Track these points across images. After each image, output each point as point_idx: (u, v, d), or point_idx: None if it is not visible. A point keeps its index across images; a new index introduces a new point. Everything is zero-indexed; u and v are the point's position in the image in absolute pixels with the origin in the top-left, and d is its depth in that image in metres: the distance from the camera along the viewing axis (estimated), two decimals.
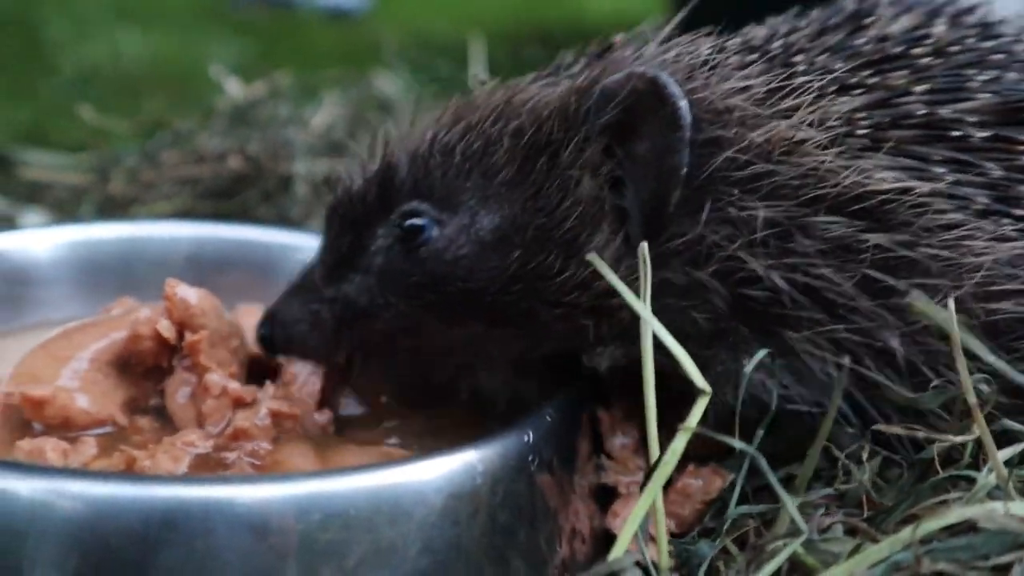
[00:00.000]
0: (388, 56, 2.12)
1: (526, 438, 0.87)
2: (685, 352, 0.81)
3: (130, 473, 0.85)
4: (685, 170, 0.88)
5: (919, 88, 0.91)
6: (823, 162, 0.86)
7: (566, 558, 0.91)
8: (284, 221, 1.49)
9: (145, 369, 0.99)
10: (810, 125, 0.87)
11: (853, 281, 0.86)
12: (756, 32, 1.01)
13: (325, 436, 1.03)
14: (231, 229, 1.30)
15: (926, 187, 0.85)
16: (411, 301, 0.95)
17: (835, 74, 0.91)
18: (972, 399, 0.74)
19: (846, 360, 0.83)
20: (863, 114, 0.89)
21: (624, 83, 0.88)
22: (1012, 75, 0.92)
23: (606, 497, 0.98)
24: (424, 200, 0.94)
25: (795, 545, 0.74)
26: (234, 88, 1.76)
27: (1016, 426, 0.81)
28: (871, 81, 0.91)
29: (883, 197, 0.85)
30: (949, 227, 0.86)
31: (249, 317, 1.20)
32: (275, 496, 0.76)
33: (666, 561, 0.81)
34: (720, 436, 0.81)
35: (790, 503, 0.77)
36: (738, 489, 0.88)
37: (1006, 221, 0.87)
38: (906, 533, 0.70)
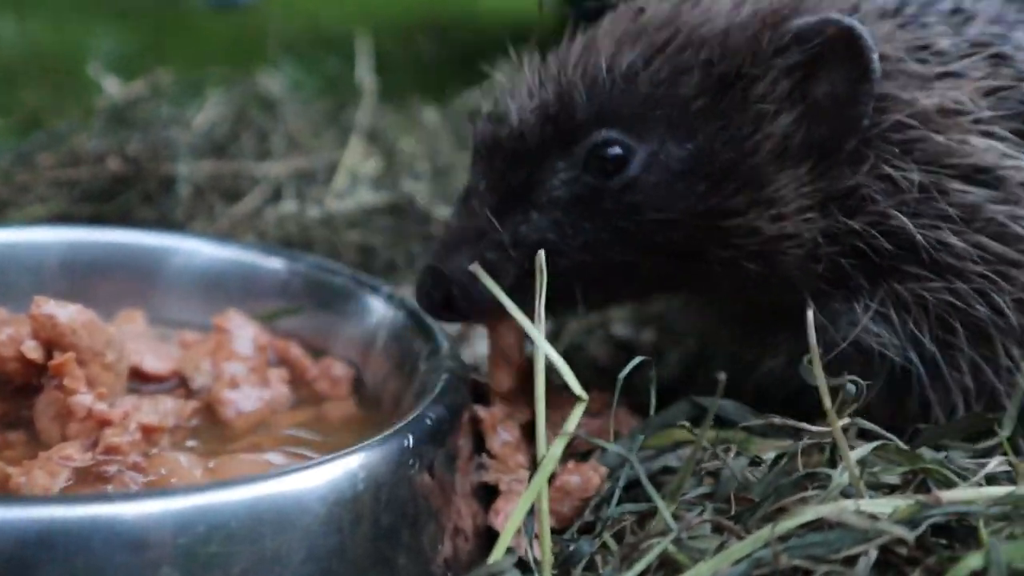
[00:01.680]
0: (273, 53, 2.10)
1: (406, 442, 0.89)
2: (562, 359, 0.84)
3: (3, 494, 0.84)
4: (867, 121, 0.91)
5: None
6: (969, 133, 0.92)
7: (449, 556, 0.93)
8: (166, 223, 1.47)
9: (14, 387, 0.97)
10: (965, 96, 0.93)
11: (970, 244, 0.92)
12: None
13: (214, 444, 1.05)
14: (109, 233, 1.27)
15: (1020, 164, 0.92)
16: (600, 232, 0.95)
17: (986, 46, 0.96)
18: (826, 403, 0.78)
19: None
20: (1000, 87, 0.94)
21: (819, 28, 0.91)
22: None
23: (488, 495, 1.01)
24: (612, 128, 0.94)
25: (665, 543, 0.78)
26: (113, 87, 1.72)
27: (869, 426, 0.86)
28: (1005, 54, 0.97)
29: (1002, 171, 0.92)
30: None
31: (129, 323, 1.19)
32: (154, 512, 0.76)
33: (549, 559, 0.84)
34: (594, 440, 0.84)
35: (661, 503, 0.81)
36: (618, 491, 0.91)
37: None
38: (766, 531, 0.74)
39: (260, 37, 3.06)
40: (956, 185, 0.92)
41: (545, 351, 0.84)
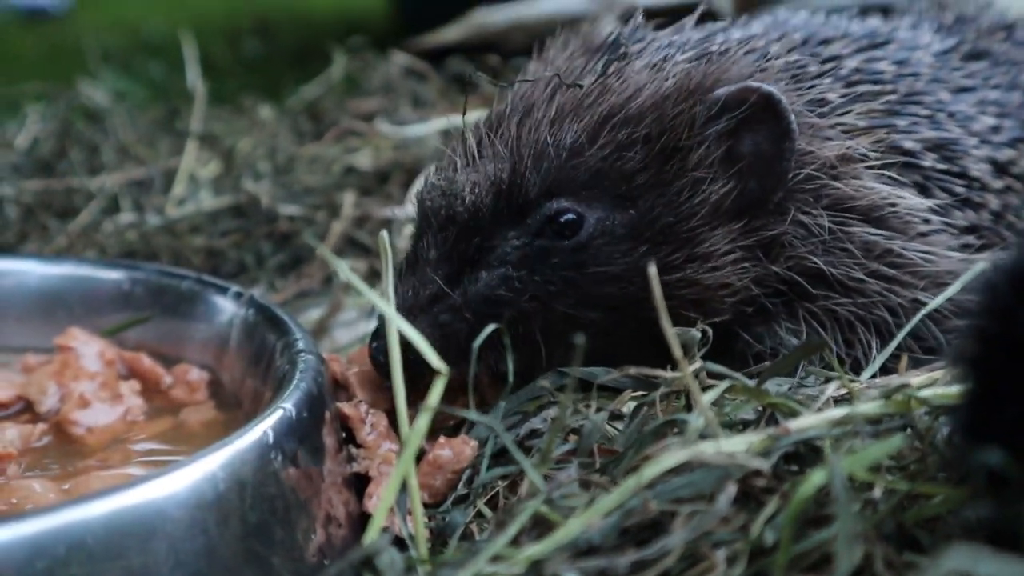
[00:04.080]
0: (93, 61, 2.02)
1: (267, 437, 0.88)
2: (424, 339, 0.84)
3: None
4: (790, 175, 1.02)
5: (902, 122, 1.10)
6: (863, 178, 1.05)
7: (323, 544, 0.92)
8: None
9: None
10: (860, 145, 1.05)
11: (870, 271, 1.05)
12: (792, 29, 1.16)
13: (68, 465, 1.01)
14: None
15: (914, 203, 1.07)
16: (548, 284, 1.03)
17: (875, 96, 1.10)
18: (676, 351, 0.81)
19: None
20: (876, 138, 1.07)
21: (741, 96, 1.01)
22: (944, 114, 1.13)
23: (363, 485, 1.00)
24: (562, 198, 1.02)
25: (536, 504, 0.79)
26: None
27: (717, 367, 0.89)
28: (889, 106, 1.10)
29: (892, 209, 1.05)
30: (923, 234, 1.07)
31: None
32: (6, 539, 0.73)
33: (423, 533, 0.84)
34: (456, 410, 0.85)
35: (527, 465, 0.82)
36: (486, 460, 0.92)
37: (947, 236, 1.08)
38: (632, 481, 0.76)
39: (76, 48, 2.95)
40: (856, 226, 1.05)
41: (400, 328, 0.84)
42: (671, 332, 0.82)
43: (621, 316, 1.04)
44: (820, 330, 1.06)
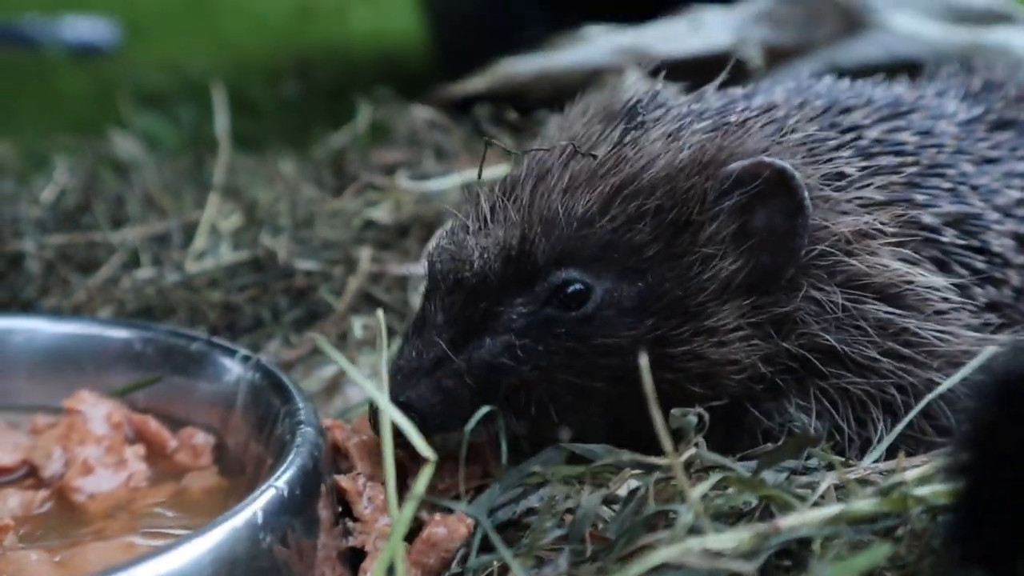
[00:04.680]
0: (127, 106, 2.05)
1: (256, 518, 0.87)
2: (417, 431, 0.84)
3: None
4: (803, 251, 1.01)
5: (922, 196, 1.08)
6: (879, 254, 1.03)
7: None
8: (17, 302, 1.42)
9: None
10: (877, 220, 1.04)
11: (884, 350, 1.03)
12: (814, 96, 1.16)
13: (66, 534, 1.02)
14: None
15: (931, 280, 1.04)
16: (552, 355, 1.02)
17: (896, 168, 1.08)
18: (666, 444, 0.80)
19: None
20: (895, 213, 1.05)
21: (754, 171, 1.00)
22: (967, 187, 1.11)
23: (359, 560, 1.00)
24: (571, 268, 1.01)
25: None
26: None
27: (712, 456, 0.87)
28: (910, 178, 1.08)
29: (908, 287, 1.03)
30: (940, 312, 1.04)
31: None
32: None
33: None
34: (443, 502, 0.84)
35: (510, 559, 0.81)
36: (475, 547, 0.91)
37: (966, 313, 1.06)
38: None
39: (118, 86, 3.01)
40: (871, 304, 1.03)
41: (391, 416, 0.83)
42: (660, 422, 0.80)
43: (627, 387, 1.01)
44: (832, 409, 1.04)
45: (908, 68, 1.70)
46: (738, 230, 1.02)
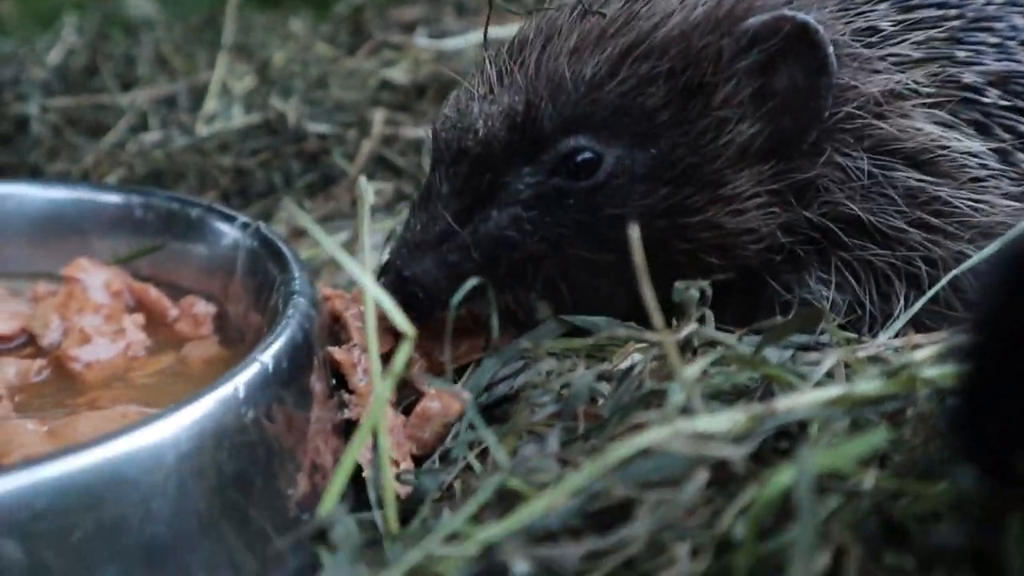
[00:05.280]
0: None
1: (237, 392, 0.85)
2: (389, 300, 0.80)
3: None
4: (827, 113, 0.94)
5: (964, 52, 0.99)
6: (911, 116, 0.96)
7: (307, 494, 0.91)
8: (25, 166, 1.40)
9: None
10: (912, 79, 0.96)
11: (913, 220, 0.96)
12: None
13: (62, 401, 1.01)
14: None
15: (965, 145, 0.97)
16: (560, 227, 0.98)
17: (936, 22, 1.00)
18: (656, 319, 0.75)
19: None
20: (932, 71, 0.97)
21: (774, 26, 0.93)
22: (1016, 42, 1.01)
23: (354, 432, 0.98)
24: (580, 135, 0.96)
25: (499, 480, 0.75)
26: None
27: (711, 332, 0.83)
28: (951, 33, 1.00)
29: (942, 152, 0.96)
30: (976, 180, 0.97)
31: None
32: None
33: (392, 502, 0.81)
34: (442, 386, 0.81)
35: (492, 441, 0.78)
36: (464, 429, 0.89)
37: (1006, 181, 0.98)
38: (600, 462, 0.71)
39: None
40: (900, 170, 0.96)
41: (372, 293, 0.80)
42: (650, 297, 0.76)
43: (646, 256, 0.97)
44: (854, 281, 0.99)
45: None
46: (757, 91, 0.95)
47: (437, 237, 1.00)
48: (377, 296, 0.79)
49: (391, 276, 1.01)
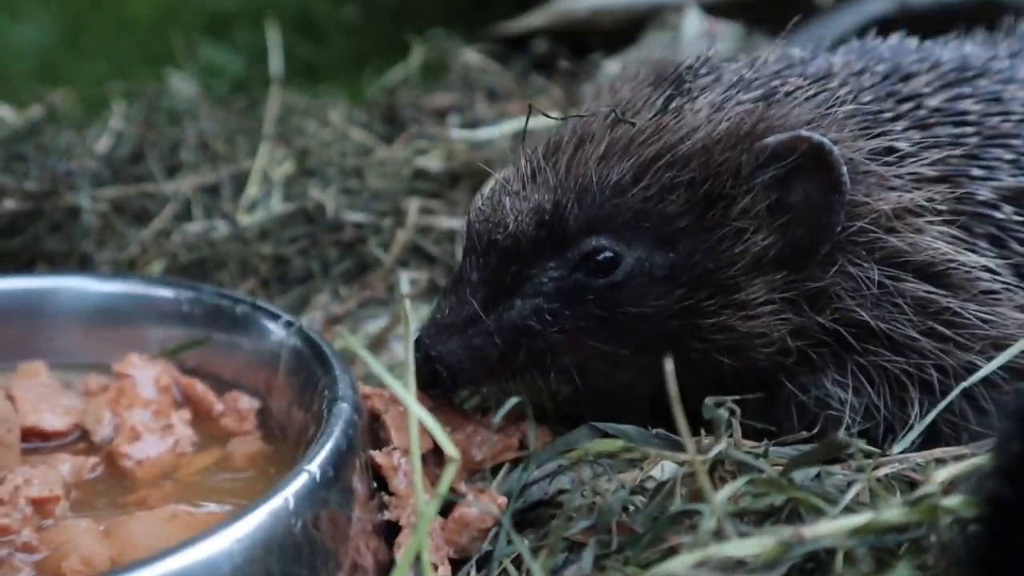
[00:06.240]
0: (188, 44, 2.05)
1: (287, 503, 0.89)
2: (440, 428, 0.84)
3: None
4: (840, 228, 0.98)
5: (979, 170, 1.04)
6: (923, 232, 1.00)
7: None
8: (76, 255, 1.46)
9: None
10: (922, 196, 1.00)
11: (923, 330, 1.00)
12: (876, 60, 1.12)
13: (116, 499, 1.05)
14: None
15: (976, 260, 1.01)
16: (580, 320, 1.03)
17: (954, 140, 1.05)
18: (689, 448, 0.79)
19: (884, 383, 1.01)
20: (947, 188, 1.02)
21: (791, 145, 0.98)
22: None
23: (394, 534, 1.02)
24: (602, 235, 1.01)
25: None
26: (6, 113, 1.68)
27: (739, 455, 0.86)
28: (968, 150, 1.04)
29: (950, 265, 1.00)
30: (988, 293, 1.01)
31: (31, 377, 1.19)
32: None
33: None
34: (461, 500, 0.84)
35: (528, 556, 0.81)
36: (504, 533, 0.92)
37: (1021, 293, 1.02)
38: None
39: (186, 13, 2.98)
40: (910, 281, 1.00)
41: (418, 415, 0.84)
42: (683, 424, 0.80)
43: (654, 356, 0.99)
44: (868, 386, 1.02)
45: (988, 8, 1.61)
46: (773, 204, 1.00)
47: (464, 321, 1.05)
48: (423, 418, 0.83)
49: (418, 355, 1.06)
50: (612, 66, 1.69)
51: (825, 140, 0.98)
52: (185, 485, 1.07)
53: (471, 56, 1.85)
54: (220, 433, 1.15)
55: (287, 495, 0.90)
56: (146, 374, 1.17)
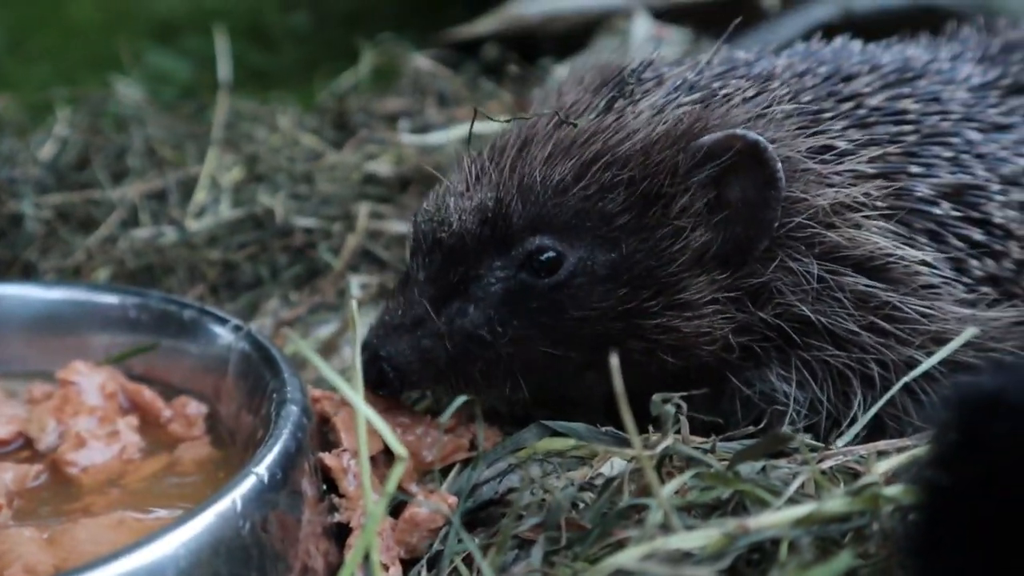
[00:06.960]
0: (134, 50, 2.03)
1: (235, 505, 0.89)
2: (389, 429, 0.84)
3: None
4: (777, 223, 0.99)
5: (918, 166, 1.05)
6: (861, 227, 1.02)
7: None
8: (19, 263, 1.43)
9: None
10: (860, 192, 1.02)
11: (864, 324, 1.02)
12: (818, 62, 1.13)
13: (59, 507, 1.04)
14: None
15: (915, 255, 1.02)
16: (527, 328, 1.03)
17: (892, 138, 1.06)
18: (635, 444, 0.79)
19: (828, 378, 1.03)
20: (885, 184, 1.03)
21: (726, 144, 1.00)
22: (970, 155, 1.08)
23: (345, 536, 1.01)
24: (545, 235, 1.02)
25: None
26: None
27: (686, 450, 0.87)
28: (906, 148, 1.06)
29: (889, 260, 1.02)
30: (927, 287, 1.03)
31: None
32: None
33: None
34: (410, 499, 0.84)
35: (478, 554, 0.81)
36: (454, 532, 0.92)
37: (960, 287, 1.04)
38: None
39: (134, 19, 2.95)
40: (849, 276, 1.02)
41: (366, 416, 0.84)
42: (630, 421, 0.80)
43: (601, 356, 1.00)
44: (811, 380, 1.04)
45: (930, 13, 1.64)
46: (711, 202, 1.02)
47: (413, 322, 1.06)
48: (372, 419, 0.83)
49: (366, 355, 1.07)
50: (562, 71, 1.69)
51: (760, 138, 0.99)
52: (132, 492, 1.06)
53: (422, 61, 1.86)
54: (168, 439, 1.14)
55: (234, 497, 0.89)
56: (91, 381, 1.16)
